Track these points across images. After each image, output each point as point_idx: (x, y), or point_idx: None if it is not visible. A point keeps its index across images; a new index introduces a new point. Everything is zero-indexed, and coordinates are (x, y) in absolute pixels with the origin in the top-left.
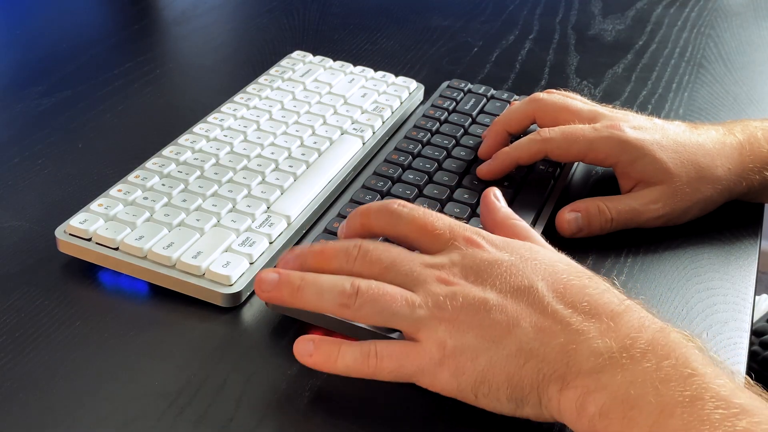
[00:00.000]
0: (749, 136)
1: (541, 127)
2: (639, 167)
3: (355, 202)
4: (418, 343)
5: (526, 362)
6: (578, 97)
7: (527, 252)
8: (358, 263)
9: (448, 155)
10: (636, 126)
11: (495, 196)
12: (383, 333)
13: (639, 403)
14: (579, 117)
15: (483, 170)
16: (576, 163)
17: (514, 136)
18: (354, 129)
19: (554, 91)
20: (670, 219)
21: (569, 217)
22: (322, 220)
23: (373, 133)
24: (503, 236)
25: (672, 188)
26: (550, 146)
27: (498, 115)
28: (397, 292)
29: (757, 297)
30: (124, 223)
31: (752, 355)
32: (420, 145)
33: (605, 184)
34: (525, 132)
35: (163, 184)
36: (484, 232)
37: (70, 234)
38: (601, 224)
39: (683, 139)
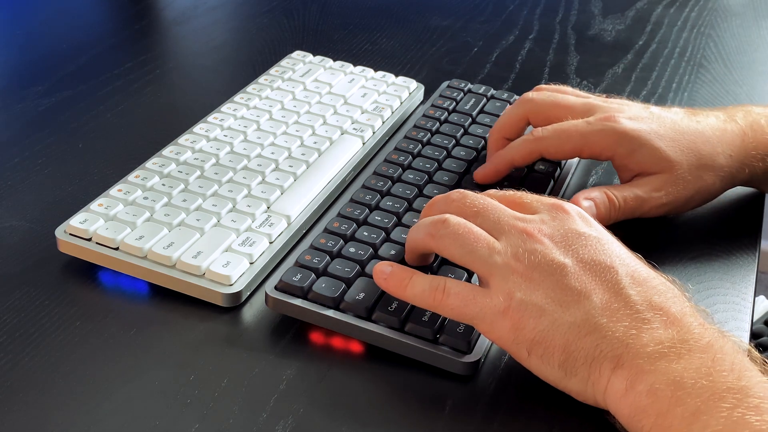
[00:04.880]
0: (752, 122)
1: (535, 128)
2: (637, 158)
3: (355, 202)
4: (486, 288)
5: (588, 335)
6: (570, 90)
7: (611, 237)
8: (455, 204)
9: (448, 155)
10: (632, 116)
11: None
12: (379, 331)
13: (690, 385)
14: (572, 112)
15: (479, 174)
16: (576, 164)
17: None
18: (354, 129)
19: (544, 87)
20: (673, 208)
21: (585, 204)
22: (322, 220)
23: (373, 133)
24: None
25: (674, 176)
26: (543, 145)
27: (497, 116)
28: (481, 234)
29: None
30: (124, 223)
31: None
32: (420, 145)
33: (605, 184)
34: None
35: (163, 184)
36: (570, 203)
37: (70, 234)
38: (609, 213)
39: (682, 127)
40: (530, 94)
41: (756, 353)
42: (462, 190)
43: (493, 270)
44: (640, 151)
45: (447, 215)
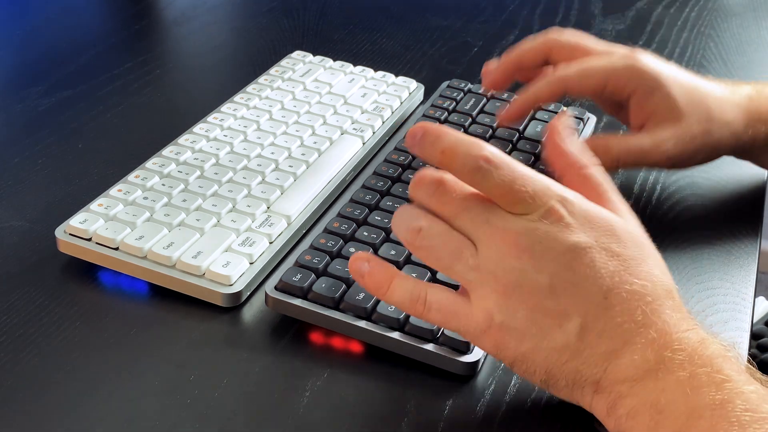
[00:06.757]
0: (759, 90)
1: (554, 63)
2: (653, 100)
3: (355, 202)
4: (467, 302)
5: (568, 361)
6: (591, 37)
7: (605, 236)
8: (434, 200)
9: None
10: (653, 58)
11: (560, 131)
12: (379, 331)
13: (668, 408)
14: (594, 54)
15: (502, 116)
16: None
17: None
18: (354, 129)
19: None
20: (678, 161)
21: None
22: (322, 220)
23: (373, 133)
24: (574, 189)
25: (682, 128)
26: (567, 83)
27: (503, 105)
28: (458, 247)
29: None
30: (124, 223)
31: (750, 358)
32: None
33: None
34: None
35: (163, 184)
36: (570, 197)
37: (70, 234)
38: (605, 164)
39: (696, 80)
40: (554, 32)
41: (736, 353)
42: (445, 180)
43: (471, 285)
44: (659, 92)
45: (422, 224)
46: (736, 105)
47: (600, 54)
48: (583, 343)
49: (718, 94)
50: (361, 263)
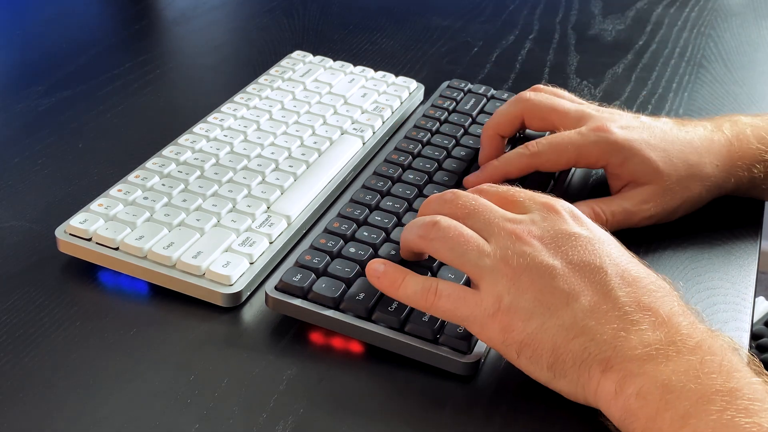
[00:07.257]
0: (738, 132)
1: (528, 128)
2: (629, 168)
3: (355, 202)
4: (477, 291)
5: (576, 338)
6: (566, 94)
7: (604, 234)
8: (447, 205)
9: (448, 155)
10: (623, 125)
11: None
12: (379, 331)
13: (678, 389)
14: (567, 118)
15: (470, 181)
16: None
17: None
18: (354, 129)
19: (541, 87)
20: (661, 218)
21: None
22: (322, 220)
23: (373, 133)
24: None
25: (662, 187)
26: (539, 160)
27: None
28: (471, 237)
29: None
30: (124, 223)
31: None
32: (420, 145)
33: (605, 185)
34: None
35: (163, 184)
36: (563, 201)
37: (70, 234)
38: None
39: (671, 137)
40: (527, 94)
41: (744, 351)
42: (455, 191)
43: (482, 273)
44: (632, 160)
45: (438, 217)
46: (715, 155)
47: (572, 119)
48: (591, 321)
49: (696, 145)
50: (378, 265)
